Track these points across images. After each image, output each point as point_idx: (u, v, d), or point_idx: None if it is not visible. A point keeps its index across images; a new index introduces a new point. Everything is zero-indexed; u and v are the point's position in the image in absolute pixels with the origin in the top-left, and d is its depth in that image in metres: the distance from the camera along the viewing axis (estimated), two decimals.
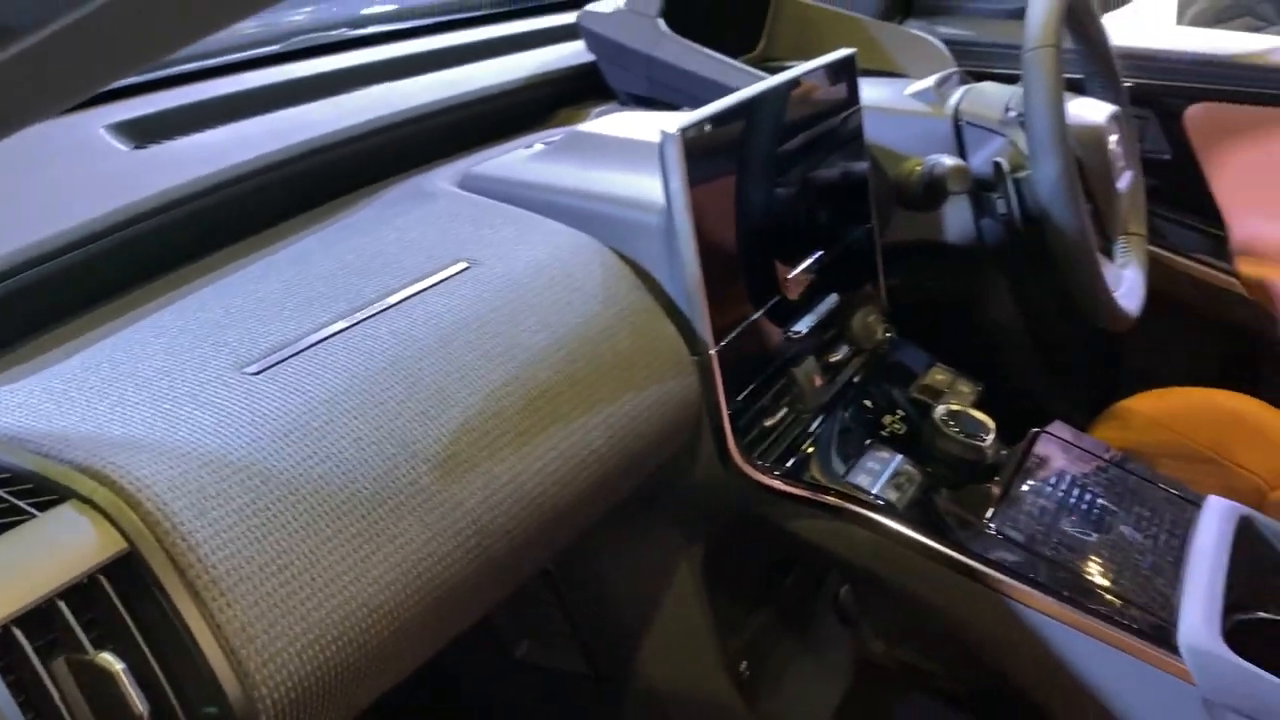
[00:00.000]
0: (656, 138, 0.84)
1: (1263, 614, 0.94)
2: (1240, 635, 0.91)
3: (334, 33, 1.25)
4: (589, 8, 1.32)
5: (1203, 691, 0.80)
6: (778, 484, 0.92)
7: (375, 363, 0.70)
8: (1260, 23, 1.79)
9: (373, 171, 1.04)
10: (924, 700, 1.18)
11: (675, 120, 0.84)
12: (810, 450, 0.96)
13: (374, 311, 0.75)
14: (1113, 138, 1.16)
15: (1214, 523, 0.93)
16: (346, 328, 0.73)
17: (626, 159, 0.95)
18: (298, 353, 0.70)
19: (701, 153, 0.85)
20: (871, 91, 1.16)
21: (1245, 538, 0.93)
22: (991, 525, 0.92)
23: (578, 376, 0.78)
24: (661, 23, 1.27)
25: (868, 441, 0.99)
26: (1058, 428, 1.08)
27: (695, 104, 0.90)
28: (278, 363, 0.68)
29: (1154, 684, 0.82)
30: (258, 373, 0.67)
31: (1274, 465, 1.35)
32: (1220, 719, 0.82)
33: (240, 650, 0.54)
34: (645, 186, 0.89)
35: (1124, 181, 1.19)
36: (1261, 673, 0.79)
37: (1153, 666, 0.82)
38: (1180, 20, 2.04)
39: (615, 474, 0.79)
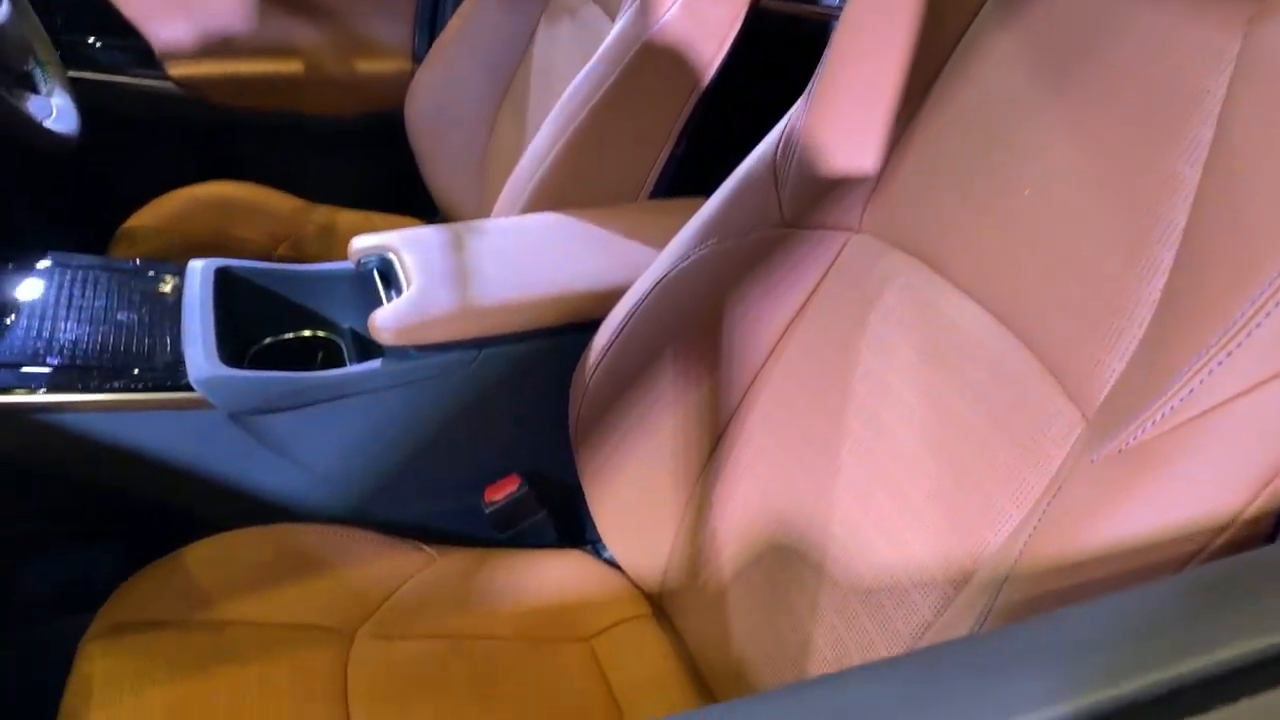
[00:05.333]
0: None
1: (269, 339, 1.13)
2: (259, 360, 1.10)
3: None
4: None
5: (224, 409, 0.96)
6: None
7: None
8: None
9: None
10: None
11: None
12: None
13: None
14: None
15: (195, 279, 1.07)
16: None
17: None
18: None
19: None
20: None
21: (226, 283, 1.09)
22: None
23: None
24: None
25: None
26: (56, 255, 1.11)
27: None
28: None
29: (187, 422, 0.96)
30: None
31: (271, 230, 1.57)
32: (248, 425, 0.98)
33: None
34: None
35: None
36: (257, 372, 0.96)
37: (179, 410, 0.95)
38: None
39: None
